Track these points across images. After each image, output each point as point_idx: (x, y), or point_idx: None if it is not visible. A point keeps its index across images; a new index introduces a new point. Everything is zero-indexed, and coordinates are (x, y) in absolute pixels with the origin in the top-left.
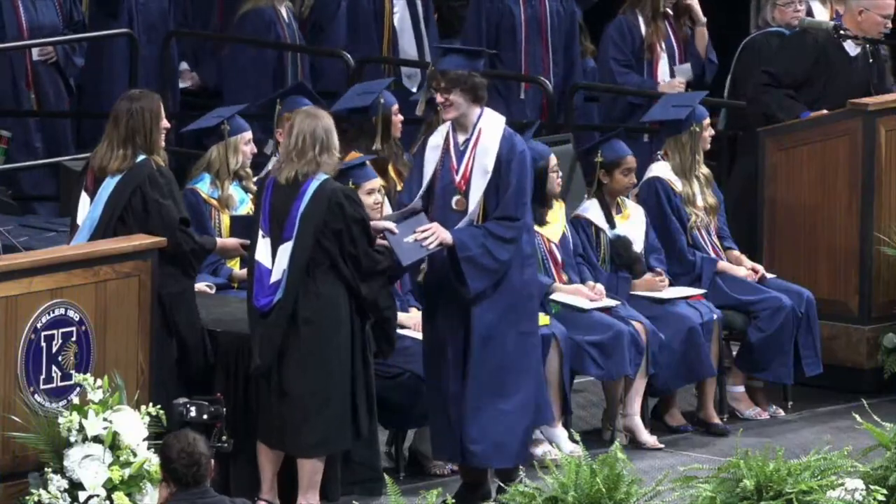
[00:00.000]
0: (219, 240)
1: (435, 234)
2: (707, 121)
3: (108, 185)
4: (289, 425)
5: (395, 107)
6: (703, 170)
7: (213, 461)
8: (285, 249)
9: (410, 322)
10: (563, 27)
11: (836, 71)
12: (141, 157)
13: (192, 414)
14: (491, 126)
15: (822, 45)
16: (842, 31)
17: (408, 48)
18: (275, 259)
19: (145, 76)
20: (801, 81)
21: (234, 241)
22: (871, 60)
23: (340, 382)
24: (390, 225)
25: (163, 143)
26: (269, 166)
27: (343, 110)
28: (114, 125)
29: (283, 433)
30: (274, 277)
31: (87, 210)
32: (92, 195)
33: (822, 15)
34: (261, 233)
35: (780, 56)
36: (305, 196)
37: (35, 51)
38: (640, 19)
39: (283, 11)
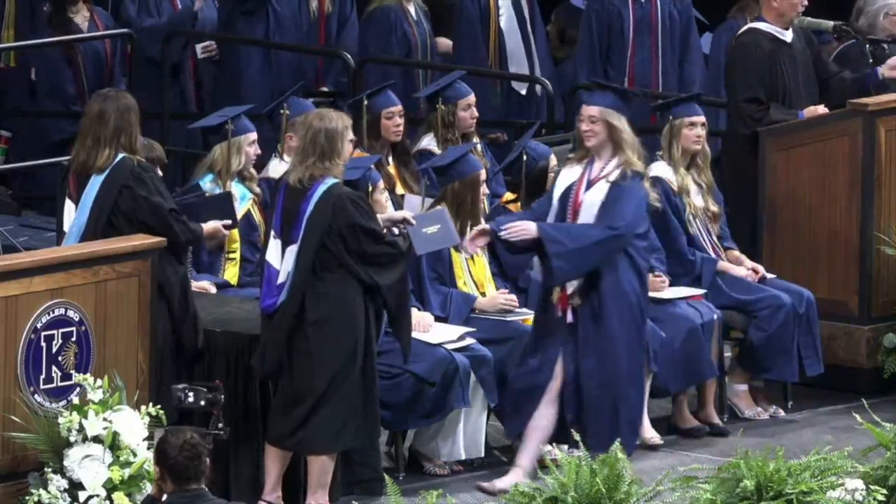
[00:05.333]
0: (203, 226)
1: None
2: (691, 119)
3: (93, 186)
4: (299, 424)
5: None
6: (706, 177)
7: (209, 460)
8: (292, 251)
9: None
10: (676, 30)
11: (787, 62)
12: (121, 156)
13: (190, 399)
14: None
15: (763, 45)
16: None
17: (515, 50)
18: (283, 261)
19: (278, 74)
20: (772, 86)
21: (214, 225)
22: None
23: (351, 381)
24: (408, 215)
25: (139, 144)
26: (270, 167)
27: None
28: (100, 123)
29: (293, 432)
30: (280, 279)
31: (73, 216)
32: (76, 201)
33: None
34: (272, 234)
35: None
36: (312, 199)
37: (198, 48)
38: (748, 21)
39: (412, 9)
